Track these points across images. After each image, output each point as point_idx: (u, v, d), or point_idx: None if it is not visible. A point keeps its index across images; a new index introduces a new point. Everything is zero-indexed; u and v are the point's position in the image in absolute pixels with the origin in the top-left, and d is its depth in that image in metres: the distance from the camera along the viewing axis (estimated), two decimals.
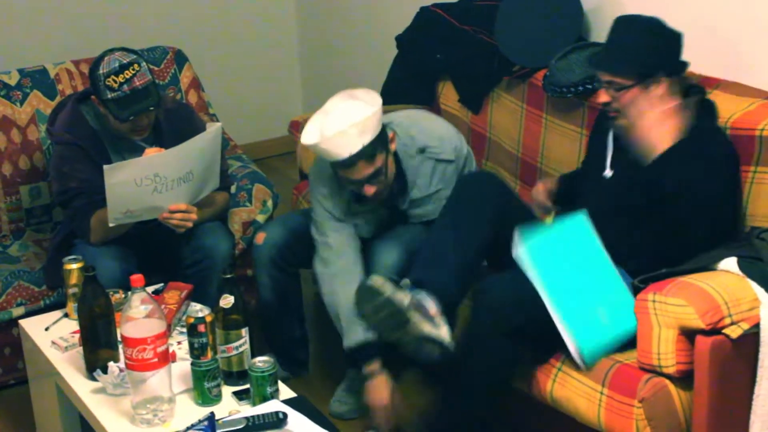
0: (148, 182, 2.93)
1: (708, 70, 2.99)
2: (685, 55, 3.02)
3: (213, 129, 3.06)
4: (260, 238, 3.25)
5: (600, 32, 3.25)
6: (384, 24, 3.49)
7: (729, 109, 2.77)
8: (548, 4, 3.27)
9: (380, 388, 2.91)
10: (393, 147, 2.95)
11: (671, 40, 2.73)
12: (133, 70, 3.01)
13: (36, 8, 4.21)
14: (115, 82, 2.98)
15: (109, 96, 2.99)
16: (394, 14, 3.51)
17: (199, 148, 3.04)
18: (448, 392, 2.80)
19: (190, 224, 3.03)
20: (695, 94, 2.75)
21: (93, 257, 2.93)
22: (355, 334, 2.90)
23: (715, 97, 2.86)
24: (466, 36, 3.34)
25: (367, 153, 2.79)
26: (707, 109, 2.73)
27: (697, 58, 2.96)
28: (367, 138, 2.77)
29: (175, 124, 3.26)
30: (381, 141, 2.84)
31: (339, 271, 3.00)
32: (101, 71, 3.00)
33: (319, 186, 3.08)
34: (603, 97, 2.71)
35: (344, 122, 2.75)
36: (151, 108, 3.06)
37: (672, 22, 3.03)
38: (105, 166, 2.91)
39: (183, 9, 4.50)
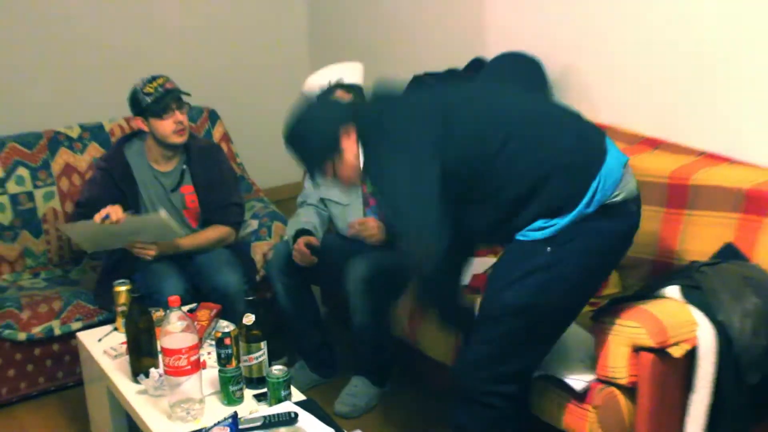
0: (103, 232, 3.03)
1: (652, 132, 3.00)
2: (634, 119, 3.05)
3: (156, 216, 3.10)
4: (269, 253, 3.31)
5: (562, 98, 3.28)
6: None
7: (668, 164, 2.79)
8: (517, 75, 3.29)
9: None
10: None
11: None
12: (164, 78, 3.16)
13: (93, 71, 4.23)
14: (151, 87, 3.11)
15: (149, 100, 3.10)
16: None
17: (144, 226, 3.14)
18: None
19: (149, 256, 3.12)
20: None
21: (158, 276, 3.09)
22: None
23: (658, 154, 2.88)
24: None
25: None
26: None
27: (644, 122, 3.02)
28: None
29: (203, 158, 3.33)
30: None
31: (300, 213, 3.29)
32: (137, 87, 3.13)
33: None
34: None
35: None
36: (184, 95, 3.16)
37: (627, 88, 3.09)
38: (62, 225, 3.40)
39: (216, 74, 4.53)
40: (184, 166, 3.31)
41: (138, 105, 3.14)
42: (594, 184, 2.18)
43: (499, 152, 2.20)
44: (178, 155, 3.30)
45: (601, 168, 2.19)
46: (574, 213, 2.18)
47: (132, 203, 3.22)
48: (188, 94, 3.19)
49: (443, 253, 2.20)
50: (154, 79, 3.14)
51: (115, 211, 2.99)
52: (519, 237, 2.25)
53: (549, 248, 2.20)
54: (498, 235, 2.41)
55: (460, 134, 2.21)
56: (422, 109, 2.28)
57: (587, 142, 2.26)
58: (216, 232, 3.30)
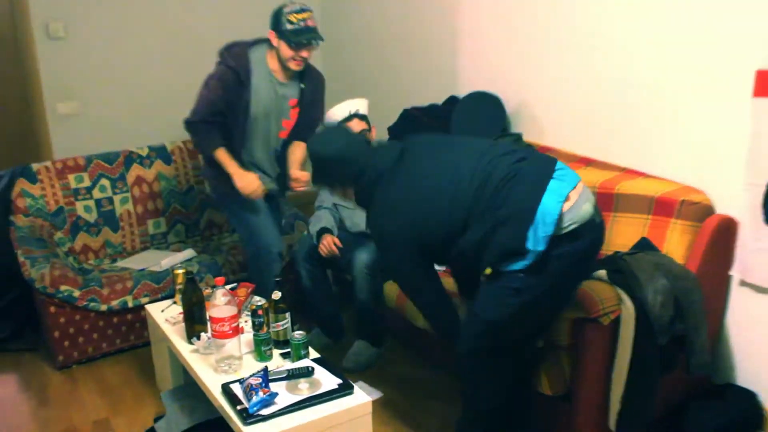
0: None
1: (585, 153, 2.98)
2: (572, 143, 3.03)
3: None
4: (295, 245, 3.29)
5: (517, 127, 3.28)
6: (383, 123, 3.52)
7: (598, 177, 2.78)
8: (482, 109, 3.27)
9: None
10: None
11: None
12: (309, 14, 2.75)
13: (158, 105, 4.20)
14: (296, 18, 2.71)
15: (289, 28, 2.72)
16: (392, 117, 3.57)
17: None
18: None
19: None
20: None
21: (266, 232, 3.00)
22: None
23: (590, 170, 2.87)
24: (432, 128, 3.35)
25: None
26: None
27: (579, 145, 3.00)
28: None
29: (314, 82, 2.97)
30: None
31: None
32: (285, 9, 2.74)
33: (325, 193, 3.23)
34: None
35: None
36: (315, 42, 2.78)
37: (566, 119, 3.06)
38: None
39: None
40: (302, 85, 2.92)
41: (278, 23, 2.74)
42: (530, 230, 2.00)
43: (460, 233, 2.13)
44: (294, 73, 2.89)
45: (536, 212, 2.01)
46: (529, 254, 2.02)
47: (244, 106, 2.83)
48: (322, 39, 2.79)
49: (434, 299, 2.32)
50: (302, 10, 2.73)
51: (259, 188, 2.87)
52: (501, 271, 2.10)
53: (522, 275, 2.04)
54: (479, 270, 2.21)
55: (434, 226, 2.15)
56: (405, 203, 2.20)
57: (522, 196, 2.05)
58: (301, 151, 3.00)
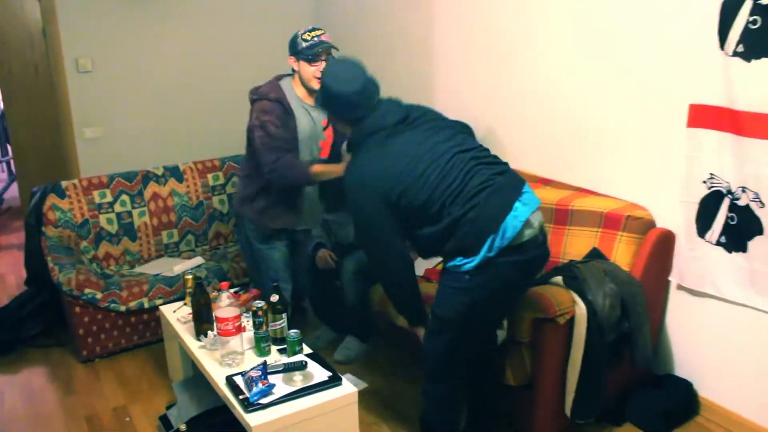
0: None
1: (544, 174, 2.99)
2: (533, 165, 3.01)
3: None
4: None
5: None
6: None
7: (555, 195, 2.79)
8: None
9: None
10: None
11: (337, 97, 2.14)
12: (321, 31, 2.58)
13: (173, 131, 4.24)
14: (309, 35, 2.54)
15: (304, 45, 2.54)
16: None
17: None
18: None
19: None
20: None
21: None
22: None
23: (549, 189, 2.86)
24: None
25: None
26: None
27: (540, 167, 2.99)
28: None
29: None
30: None
31: None
32: (299, 32, 2.58)
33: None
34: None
35: None
36: (334, 49, 2.58)
37: (529, 144, 3.03)
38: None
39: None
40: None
41: (294, 47, 2.57)
42: (490, 237, 1.98)
43: (433, 218, 2.04)
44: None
45: (500, 225, 1.98)
46: (480, 256, 1.99)
47: (292, 134, 2.62)
48: (337, 49, 2.60)
49: (394, 256, 2.11)
50: (314, 29, 2.57)
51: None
52: (448, 266, 2.07)
53: (468, 276, 2.01)
54: (438, 252, 2.14)
55: (407, 206, 2.04)
56: (384, 160, 2.06)
57: (493, 208, 2.01)
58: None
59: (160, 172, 3.74)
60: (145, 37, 4.03)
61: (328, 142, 2.79)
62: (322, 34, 2.57)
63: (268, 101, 2.57)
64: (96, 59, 3.92)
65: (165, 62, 4.13)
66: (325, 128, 2.74)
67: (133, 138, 4.11)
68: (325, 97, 2.16)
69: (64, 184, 3.51)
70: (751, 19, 2.13)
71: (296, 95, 2.66)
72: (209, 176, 3.83)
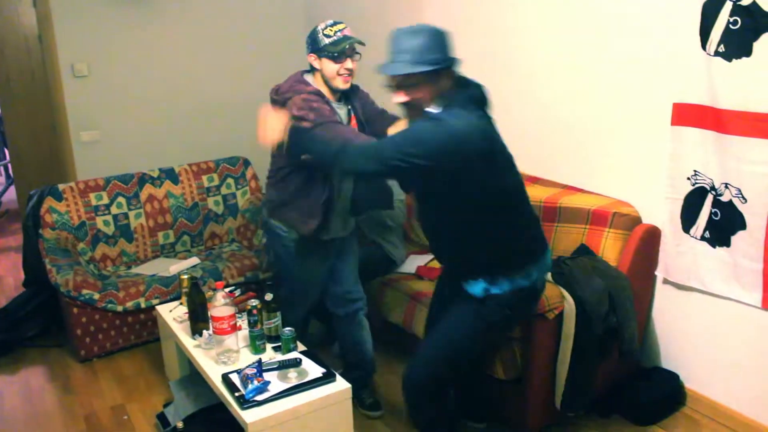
0: None
1: (534, 172, 2.99)
2: (522, 162, 3.03)
3: None
4: None
5: None
6: None
7: (544, 192, 2.80)
8: None
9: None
10: None
11: (442, 38, 1.85)
12: (344, 25, 2.27)
13: (170, 133, 4.24)
14: (331, 30, 2.24)
15: (327, 41, 2.23)
16: None
17: None
18: None
19: None
20: (471, 86, 1.92)
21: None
22: None
23: (537, 186, 2.87)
24: None
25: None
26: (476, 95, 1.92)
27: (529, 166, 2.98)
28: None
29: (360, 98, 2.45)
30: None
31: None
32: (319, 27, 2.27)
33: None
34: (400, 97, 1.87)
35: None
36: (359, 44, 2.26)
37: (519, 144, 2.97)
38: None
39: (248, 129, 4.49)
40: (349, 106, 2.39)
41: (315, 43, 2.25)
42: (533, 267, 1.98)
43: (506, 209, 1.92)
44: (340, 95, 2.36)
45: (541, 257, 2.01)
46: (506, 284, 1.96)
47: None
48: (363, 44, 2.27)
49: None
50: (335, 24, 2.26)
51: None
52: (466, 288, 2.01)
53: (490, 302, 1.98)
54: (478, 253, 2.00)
55: (493, 183, 1.86)
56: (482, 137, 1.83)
57: (542, 243, 2.06)
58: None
59: (155, 175, 3.75)
60: (140, 42, 4.05)
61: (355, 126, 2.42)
62: (344, 28, 2.26)
63: (307, 93, 2.25)
64: (92, 64, 3.93)
65: (160, 66, 4.14)
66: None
67: (128, 141, 4.12)
68: (427, 46, 1.78)
69: (61, 186, 3.52)
70: (731, 19, 2.16)
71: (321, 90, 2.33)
72: (204, 178, 3.84)
